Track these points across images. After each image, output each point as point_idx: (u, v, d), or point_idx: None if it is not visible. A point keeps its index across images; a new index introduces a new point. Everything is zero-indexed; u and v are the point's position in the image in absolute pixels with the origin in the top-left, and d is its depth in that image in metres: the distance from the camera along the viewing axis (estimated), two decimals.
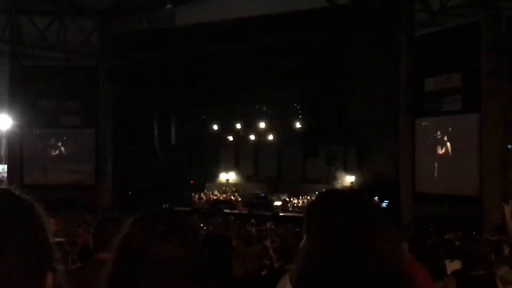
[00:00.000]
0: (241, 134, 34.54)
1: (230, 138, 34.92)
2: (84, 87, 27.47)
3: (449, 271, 6.04)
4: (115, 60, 27.80)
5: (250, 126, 33.74)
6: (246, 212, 27.53)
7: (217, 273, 3.47)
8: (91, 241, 3.68)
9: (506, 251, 6.32)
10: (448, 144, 20.88)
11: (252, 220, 21.01)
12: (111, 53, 27.84)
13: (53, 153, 28.23)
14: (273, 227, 18.45)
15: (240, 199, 30.74)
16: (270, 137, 33.88)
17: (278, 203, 29.37)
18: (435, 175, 21.19)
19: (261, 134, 34.23)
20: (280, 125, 32.62)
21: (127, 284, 1.48)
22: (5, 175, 28.48)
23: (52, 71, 27.05)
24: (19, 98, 26.70)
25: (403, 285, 1.46)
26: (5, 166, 29.03)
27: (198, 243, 1.62)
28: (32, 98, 27.00)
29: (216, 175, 35.51)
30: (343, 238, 1.41)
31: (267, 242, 11.57)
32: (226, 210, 28.41)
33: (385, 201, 23.75)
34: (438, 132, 21.55)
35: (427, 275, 4.82)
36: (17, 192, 1.13)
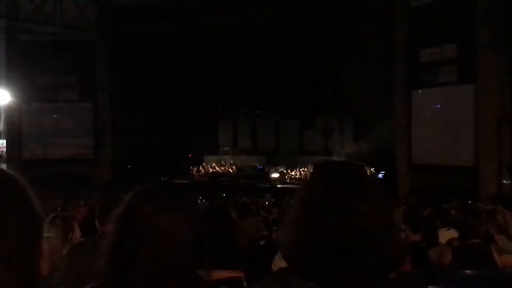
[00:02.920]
0: (238, 106, 34.41)
1: (228, 110, 34.75)
2: (82, 61, 27.31)
3: (445, 240, 6.08)
4: (112, 34, 27.70)
5: (247, 98, 33.50)
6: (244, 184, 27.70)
7: (217, 245, 3.56)
8: (97, 216, 3.70)
9: (501, 220, 6.36)
10: (444, 114, 20.92)
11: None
12: (107, 27, 27.71)
13: (52, 128, 28.17)
14: (271, 199, 18.58)
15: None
16: (268, 109, 33.78)
17: (275, 175, 29.41)
18: (431, 146, 21.27)
19: (258, 106, 34.14)
20: (277, 97, 32.42)
21: (130, 256, 1.51)
22: (4, 149, 28.50)
23: (49, 45, 26.89)
24: (17, 73, 26.62)
25: (395, 254, 1.41)
26: (4, 141, 28.99)
27: (199, 214, 1.68)
28: (30, 72, 26.83)
29: (214, 148, 35.43)
30: (331, 209, 1.36)
31: (265, 213, 11.64)
32: (224, 183, 28.53)
33: (381, 172, 23.87)
34: (434, 103, 21.61)
35: None
36: None
